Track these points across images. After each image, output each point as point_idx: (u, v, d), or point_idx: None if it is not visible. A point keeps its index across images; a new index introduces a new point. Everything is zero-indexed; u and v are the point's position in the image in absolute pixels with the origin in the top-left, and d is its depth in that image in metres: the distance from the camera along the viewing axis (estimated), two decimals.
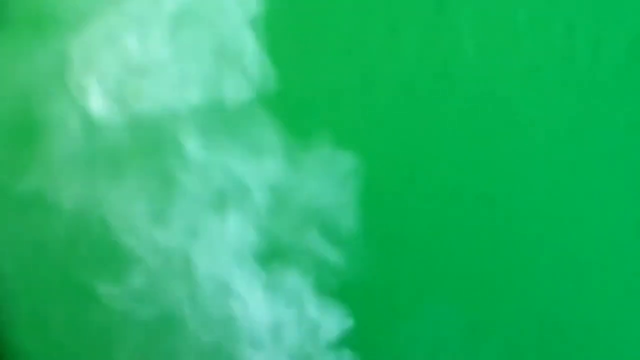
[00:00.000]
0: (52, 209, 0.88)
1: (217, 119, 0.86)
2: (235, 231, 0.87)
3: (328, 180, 0.86)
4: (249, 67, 0.85)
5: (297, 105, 0.88)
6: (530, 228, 0.87)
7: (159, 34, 0.86)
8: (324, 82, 0.88)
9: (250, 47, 0.85)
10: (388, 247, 0.90)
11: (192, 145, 0.86)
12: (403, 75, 0.87)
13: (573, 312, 0.87)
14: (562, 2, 0.83)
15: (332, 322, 0.87)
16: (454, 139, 0.87)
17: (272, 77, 0.85)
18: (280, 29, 0.86)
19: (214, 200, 0.87)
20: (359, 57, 0.87)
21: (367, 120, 0.88)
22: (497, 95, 0.85)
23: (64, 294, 0.92)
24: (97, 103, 0.87)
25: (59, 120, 0.88)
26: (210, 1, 0.86)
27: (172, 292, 0.88)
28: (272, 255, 0.88)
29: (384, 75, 0.87)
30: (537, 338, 0.88)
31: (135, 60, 0.86)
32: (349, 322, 0.88)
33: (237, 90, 0.85)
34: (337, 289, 0.87)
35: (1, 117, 0.90)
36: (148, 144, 0.87)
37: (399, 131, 0.88)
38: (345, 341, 0.88)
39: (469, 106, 0.86)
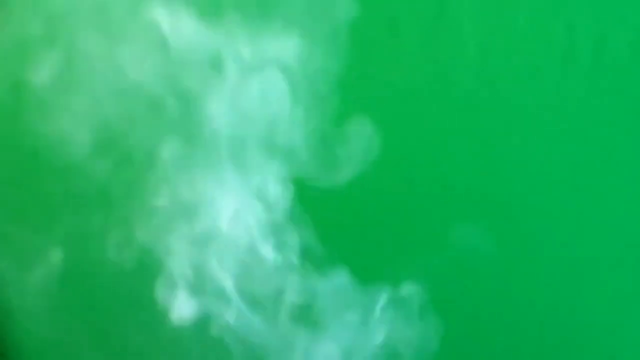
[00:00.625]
0: None
1: None
2: None
3: None
4: None
5: None
6: (530, 227, 0.87)
7: None
8: None
9: None
10: (387, 247, 0.90)
11: None
12: (403, 75, 0.87)
13: (573, 312, 0.87)
14: (562, 2, 0.83)
15: None
16: (455, 139, 0.87)
17: None
18: None
19: None
20: (359, 56, 0.87)
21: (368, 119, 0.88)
22: (498, 95, 0.85)
23: None
24: None
25: None
26: None
27: None
28: None
29: (385, 74, 0.88)
30: (537, 338, 0.88)
31: None
32: None
33: None
34: None
35: None
36: None
37: (399, 131, 0.88)
38: None
39: (470, 106, 0.86)
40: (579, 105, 0.84)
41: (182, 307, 0.89)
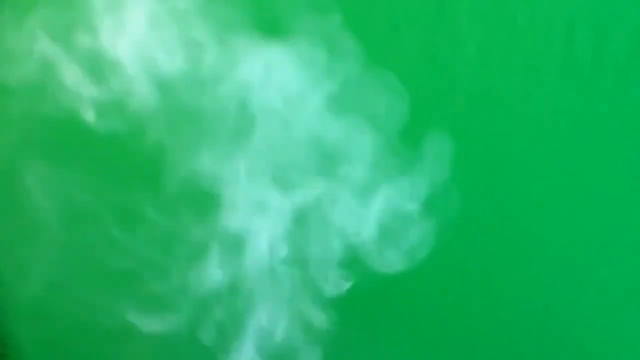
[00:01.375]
0: None
1: None
2: None
3: None
4: None
5: None
6: (529, 227, 0.87)
7: None
8: None
9: None
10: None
11: None
12: (403, 76, 0.87)
13: (573, 312, 0.87)
14: (562, 2, 0.83)
15: None
16: (455, 140, 0.87)
17: None
18: None
19: None
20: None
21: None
22: (497, 95, 0.85)
23: None
24: None
25: None
26: None
27: None
28: None
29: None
30: (536, 338, 0.88)
31: None
32: None
33: None
34: None
35: None
36: None
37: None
38: None
39: (469, 106, 0.86)
40: (578, 105, 0.84)
41: None
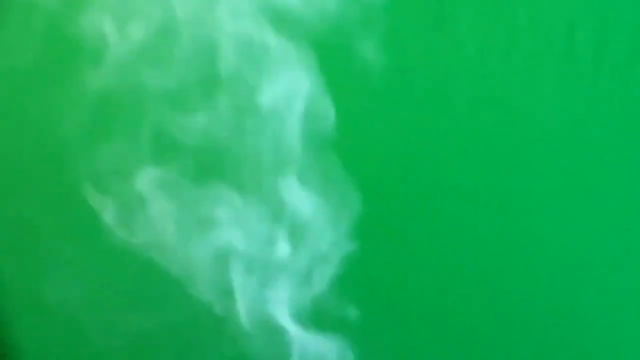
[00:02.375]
0: None
1: None
2: None
3: None
4: None
5: None
6: (529, 227, 0.87)
7: None
8: None
9: None
10: (389, 246, 0.90)
11: None
12: (405, 77, 0.87)
13: (573, 312, 0.87)
14: (562, 2, 0.83)
15: None
16: (455, 140, 0.87)
17: None
18: None
19: None
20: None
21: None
22: (497, 96, 0.85)
23: None
24: None
25: None
26: None
27: None
28: None
29: (384, 77, 0.88)
30: (535, 337, 0.88)
31: None
32: None
33: None
34: None
35: None
36: None
37: (400, 133, 0.88)
38: None
39: (469, 106, 0.86)
40: (578, 105, 0.84)
41: None
